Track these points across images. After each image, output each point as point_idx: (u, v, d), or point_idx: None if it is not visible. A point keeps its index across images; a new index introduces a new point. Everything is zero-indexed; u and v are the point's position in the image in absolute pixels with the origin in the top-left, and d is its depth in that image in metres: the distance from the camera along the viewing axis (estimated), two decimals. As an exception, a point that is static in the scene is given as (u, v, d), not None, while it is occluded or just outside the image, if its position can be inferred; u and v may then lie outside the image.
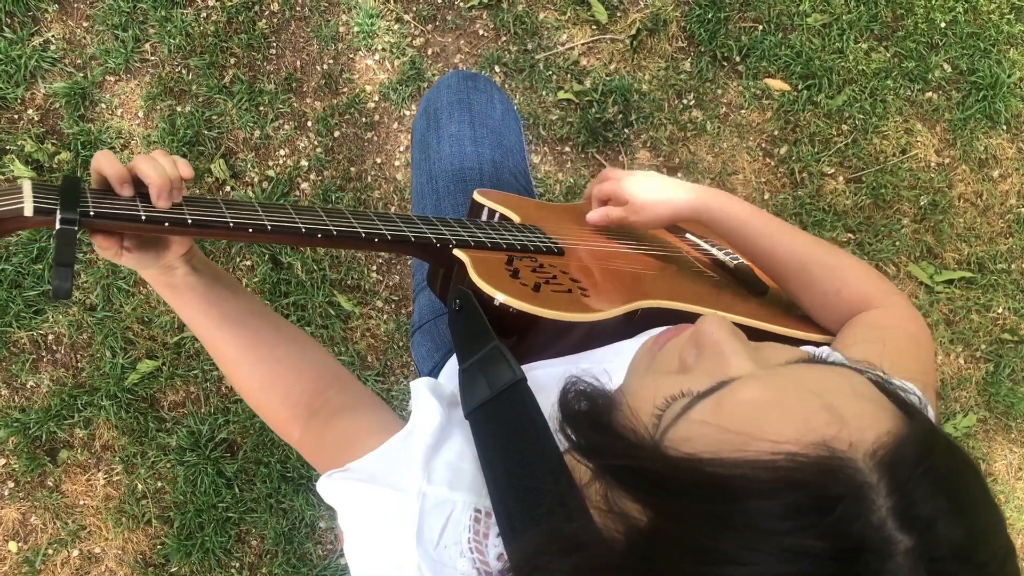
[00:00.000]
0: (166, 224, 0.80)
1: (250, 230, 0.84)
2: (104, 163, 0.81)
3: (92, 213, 0.76)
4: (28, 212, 0.73)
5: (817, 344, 1.08)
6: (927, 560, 0.43)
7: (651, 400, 0.56)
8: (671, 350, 0.61)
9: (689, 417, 0.52)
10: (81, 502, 2.05)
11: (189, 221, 0.81)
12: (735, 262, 1.25)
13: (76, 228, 0.74)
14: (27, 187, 0.75)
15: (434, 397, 0.82)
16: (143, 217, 0.79)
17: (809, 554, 0.43)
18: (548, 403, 0.70)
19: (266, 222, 0.85)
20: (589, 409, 0.59)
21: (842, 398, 0.49)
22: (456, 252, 0.96)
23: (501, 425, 0.77)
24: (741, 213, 1.08)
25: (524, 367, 0.82)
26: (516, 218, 1.16)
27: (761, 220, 1.08)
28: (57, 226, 0.73)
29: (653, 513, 0.49)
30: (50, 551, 2.03)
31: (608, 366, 0.68)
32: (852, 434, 0.47)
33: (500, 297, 0.88)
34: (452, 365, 1.15)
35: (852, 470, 0.45)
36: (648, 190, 1.11)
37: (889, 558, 0.43)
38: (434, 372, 1.31)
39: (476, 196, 1.19)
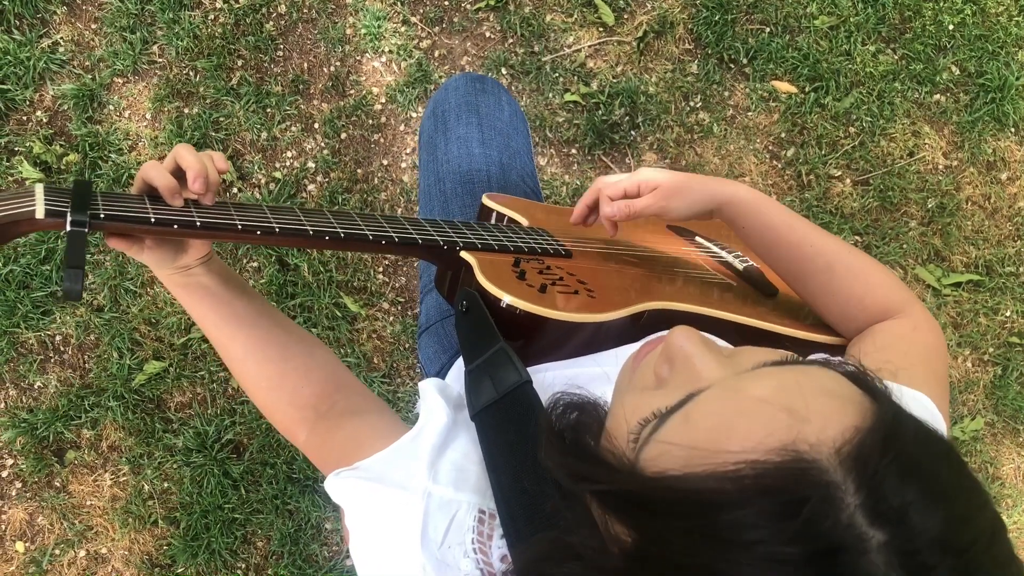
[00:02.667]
0: (175, 226, 0.81)
1: (258, 232, 0.85)
2: (153, 173, 0.83)
3: (102, 215, 0.77)
4: (40, 215, 0.74)
5: (825, 346, 1.07)
6: (903, 553, 0.43)
7: (627, 421, 0.56)
8: (647, 366, 0.61)
9: (660, 435, 0.52)
10: (88, 502, 2.05)
11: (198, 223, 0.82)
12: (744, 264, 1.25)
13: (86, 230, 0.75)
14: (39, 190, 0.76)
15: (441, 398, 0.83)
16: (153, 219, 0.80)
17: (786, 560, 0.43)
18: None
19: (274, 224, 0.86)
20: (572, 435, 0.60)
21: (806, 397, 0.49)
22: (463, 254, 0.96)
23: (506, 427, 0.77)
24: (769, 205, 1.05)
25: (530, 369, 0.83)
26: (524, 221, 1.16)
27: (789, 215, 1.05)
28: (67, 228, 0.74)
29: (636, 535, 0.49)
30: (57, 551, 2.03)
31: (612, 370, 0.68)
32: (815, 433, 0.46)
33: (507, 298, 0.88)
34: (459, 367, 1.14)
35: (817, 470, 0.45)
36: (675, 176, 1.06)
37: (863, 555, 0.43)
38: (441, 374, 1.31)
39: (485, 200, 1.20)
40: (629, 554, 0.49)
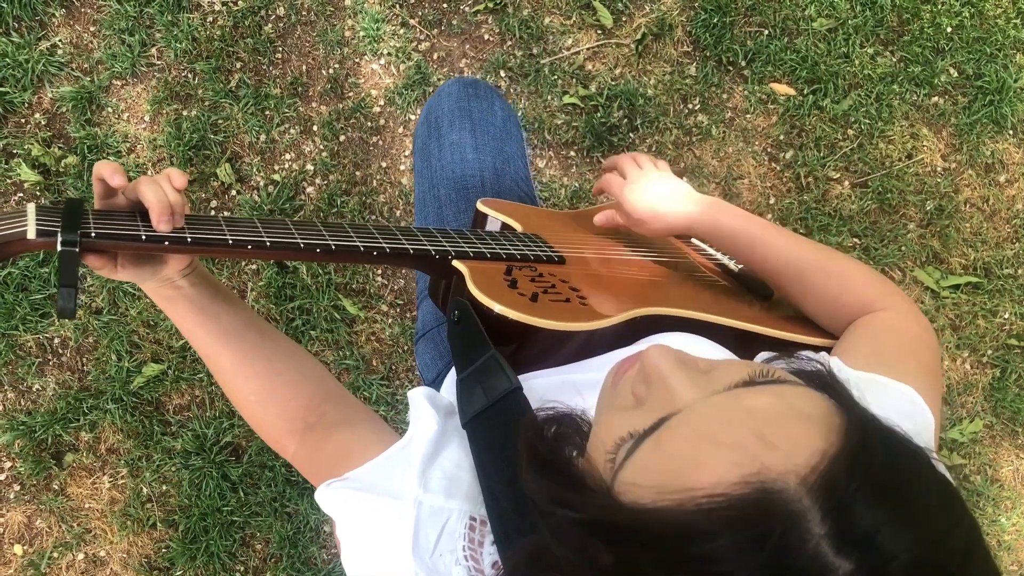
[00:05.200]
0: (166, 243, 0.81)
1: (249, 247, 0.85)
2: (148, 192, 0.81)
3: (94, 234, 0.77)
4: (31, 235, 0.74)
5: (819, 348, 1.08)
6: None
7: (604, 442, 0.56)
8: (625, 384, 0.62)
9: (634, 460, 0.53)
10: (86, 505, 2.05)
11: (189, 240, 0.82)
12: (740, 267, 1.25)
13: (78, 250, 0.76)
14: (31, 210, 0.77)
15: (431, 407, 0.83)
16: (143, 237, 0.80)
17: None
18: None
19: (265, 238, 0.86)
20: (551, 455, 0.60)
21: (776, 422, 0.49)
22: (455, 263, 0.96)
23: (497, 433, 0.77)
24: (736, 225, 1.07)
25: (521, 376, 0.83)
26: (519, 227, 1.16)
27: (757, 230, 1.07)
28: (58, 248, 0.75)
29: (612, 559, 0.49)
30: (55, 554, 2.03)
31: (603, 376, 0.69)
32: (783, 461, 0.46)
33: (497, 308, 0.88)
34: (454, 374, 1.15)
35: (782, 500, 0.45)
36: (647, 202, 1.10)
37: None
38: (438, 380, 1.31)
39: (479, 206, 1.20)
40: (608, 574, 0.49)
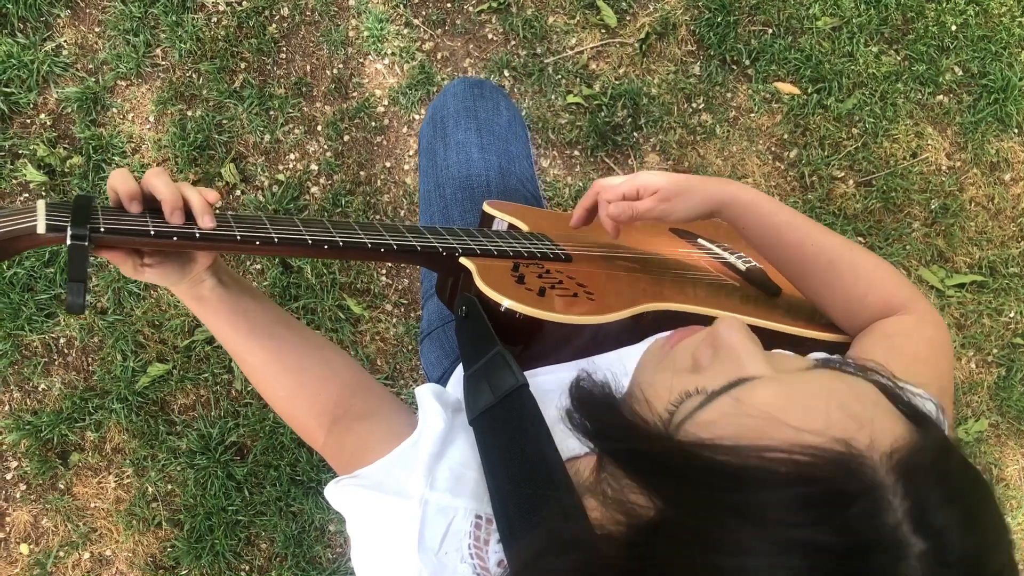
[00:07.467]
0: (175, 239, 0.82)
1: (257, 243, 0.86)
2: (117, 181, 0.83)
3: (103, 229, 0.78)
4: (41, 230, 0.75)
5: (831, 345, 1.07)
6: (939, 565, 0.43)
7: (665, 394, 0.56)
8: (685, 349, 0.62)
9: (706, 412, 0.52)
10: (92, 505, 2.06)
11: (197, 235, 0.83)
12: (747, 265, 1.25)
13: (87, 244, 0.77)
14: (41, 206, 0.78)
15: (439, 403, 0.83)
16: (152, 232, 0.81)
17: (820, 548, 0.43)
18: (551, 408, 0.70)
19: (273, 235, 0.86)
20: (602, 394, 0.59)
21: (857, 402, 0.50)
22: (462, 260, 0.97)
23: (503, 431, 0.77)
24: (770, 205, 1.04)
25: (528, 373, 0.82)
26: (524, 227, 1.16)
27: (790, 213, 1.04)
28: (68, 242, 0.76)
29: (662, 502, 0.48)
30: (61, 553, 2.04)
31: (614, 370, 0.68)
32: (870, 435, 0.47)
33: (506, 302, 0.88)
34: (461, 372, 1.15)
35: (869, 469, 0.45)
36: (675, 179, 1.05)
37: (903, 560, 0.43)
38: (443, 379, 1.31)
39: (486, 207, 1.20)
40: (647, 522, 0.49)
